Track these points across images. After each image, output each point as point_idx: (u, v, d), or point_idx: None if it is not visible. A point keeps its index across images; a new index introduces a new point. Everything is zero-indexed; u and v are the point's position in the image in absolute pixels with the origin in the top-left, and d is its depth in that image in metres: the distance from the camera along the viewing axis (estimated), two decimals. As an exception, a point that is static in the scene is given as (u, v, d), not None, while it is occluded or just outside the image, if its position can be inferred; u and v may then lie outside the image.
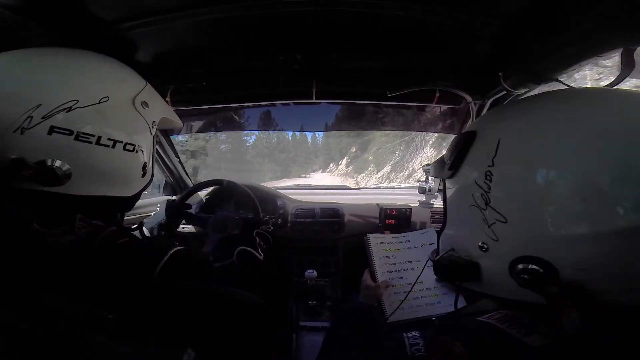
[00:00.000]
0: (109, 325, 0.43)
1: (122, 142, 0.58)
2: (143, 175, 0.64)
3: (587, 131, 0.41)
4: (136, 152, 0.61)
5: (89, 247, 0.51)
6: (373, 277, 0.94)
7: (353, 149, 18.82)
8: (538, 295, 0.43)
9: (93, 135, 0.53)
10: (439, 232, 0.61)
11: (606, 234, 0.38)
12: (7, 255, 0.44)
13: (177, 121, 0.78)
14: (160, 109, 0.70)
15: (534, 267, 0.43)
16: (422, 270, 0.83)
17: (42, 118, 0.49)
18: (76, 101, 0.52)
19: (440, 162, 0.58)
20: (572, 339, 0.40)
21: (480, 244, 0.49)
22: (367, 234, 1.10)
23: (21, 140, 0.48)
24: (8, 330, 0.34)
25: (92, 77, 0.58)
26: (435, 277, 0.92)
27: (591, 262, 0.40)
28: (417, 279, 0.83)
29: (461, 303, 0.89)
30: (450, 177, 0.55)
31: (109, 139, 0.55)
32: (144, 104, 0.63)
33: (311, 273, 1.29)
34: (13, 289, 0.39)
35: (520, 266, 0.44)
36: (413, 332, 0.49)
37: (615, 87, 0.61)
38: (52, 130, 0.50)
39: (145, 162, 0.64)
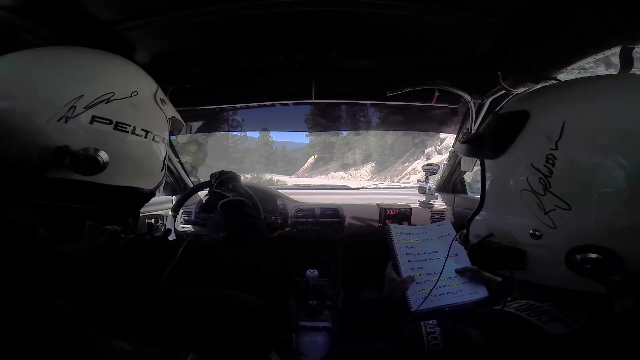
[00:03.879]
0: (111, 325, 0.44)
1: (152, 133, 0.61)
2: (162, 169, 0.68)
3: None
4: (162, 143, 0.65)
5: (108, 254, 0.52)
6: (397, 269, 0.92)
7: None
8: (591, 284, 0.41)
9: (129, 125, 0.57)
10: (472, 216, 0.58)
11: None
12: (9, 261, 0.44)
13: (181, 122, 0.80)
14: (171, 109, 0.73)
15: (595, 255, 0.41)
16: (445, 263, 0.81)
17: (85, 108, 0.52)
18: (113, 93, 0.55)
19: (476, 141, 0.54)
20: (593, 327, 0.40)
21: (531, 230, 0.46)
22: (388, 223, 1.08)
23: (65, 129, 0.51)
24: (13, 332, 0.34)
25: (122, 72, 0.62)
26: (455, 267, 0.93)
27: None
28: (441, 272, 0.81)
29: (483, 294, 0.88)
30: (495, 157, 0.51)
31: (142, 129, 0.59)
32: (162, 101, 0.66)
33: (312, 272, 1.29)
34: (18, 293, 0.39)
35: (579, 256, 0.42)
36: (431, 321, 0.49)
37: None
38: (93, 119, 0.53)
39: (165, 156, 0.68)
